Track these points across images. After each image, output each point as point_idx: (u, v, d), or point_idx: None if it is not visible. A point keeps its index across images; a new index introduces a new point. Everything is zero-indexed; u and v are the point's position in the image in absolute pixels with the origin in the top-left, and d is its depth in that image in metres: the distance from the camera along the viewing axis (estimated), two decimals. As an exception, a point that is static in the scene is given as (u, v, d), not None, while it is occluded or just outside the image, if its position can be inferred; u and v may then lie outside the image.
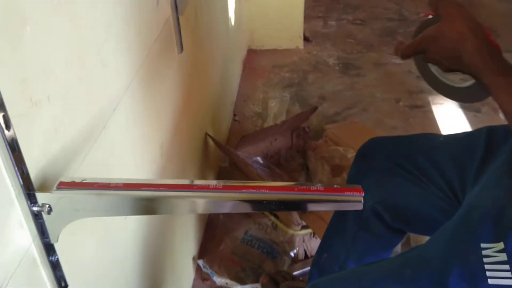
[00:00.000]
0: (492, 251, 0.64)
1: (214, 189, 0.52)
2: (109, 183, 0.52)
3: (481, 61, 0.68)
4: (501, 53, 0.71)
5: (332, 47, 2.70)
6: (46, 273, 0.55)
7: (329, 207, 0.52)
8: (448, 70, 0.76)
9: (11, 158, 0.47)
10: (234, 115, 2.10)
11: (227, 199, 0.51)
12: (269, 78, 2.40)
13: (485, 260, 0.64)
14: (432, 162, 0.89)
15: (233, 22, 2.04)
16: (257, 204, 0.53)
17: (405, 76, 2.41)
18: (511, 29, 2.80)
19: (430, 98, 2.22)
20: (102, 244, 0.73)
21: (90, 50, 0.64)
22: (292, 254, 1.39)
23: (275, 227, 1.43)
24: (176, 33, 1.04)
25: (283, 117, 2.04)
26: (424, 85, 2.37)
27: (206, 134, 1.48)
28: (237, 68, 2.30)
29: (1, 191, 0.47)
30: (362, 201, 0.50)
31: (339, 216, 1.07)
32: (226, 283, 1.32)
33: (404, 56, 0.79)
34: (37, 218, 0.52)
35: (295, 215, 1.42)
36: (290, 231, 1.41)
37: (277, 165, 1.68)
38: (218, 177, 1.67)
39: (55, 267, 0.55)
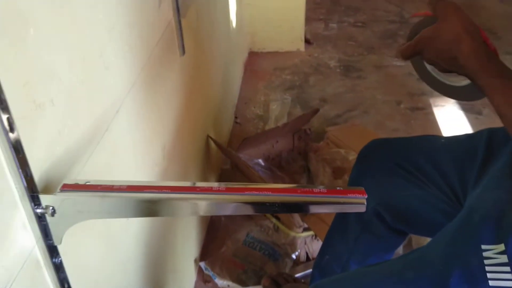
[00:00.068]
0: (493, 252, 0.64)
1: (217, 191, 0.52)
2: (113, 185, 0.53)
3: (476, 63, 0.69)
4: (498, 55, 0.71)
5: (333, 50, 2.70)
6: (49, 275, 0.55)
7: (332, 209, 0.52)
8: (445, 70, 0.76)
9: (15, 160, 0.47)
10: (236, 117, 2.10)
11: (230, 201, 0.51)
12: (271, 80, 2.40)
13: (486, 262, 0.64)
14: (433, 164, 0.89)
15: (234, 24, 2.05)
16: (260, 206, 0.53)
17: (406, 78, 2.41)
18: (511, 31, 2.80)
19: (431, 100, 2.22)
20: (104, 246, 0.73)
21: (93, 53, 0.64)
22: (293, 256, 1.39)
23: (276, 229, 1.43)
24: (178, 35, 1.04)
25: (285, 120, 2.04)
26: (425, 87, 2.36)
27: (208, 136, 1.48)
28: (239, 71, 2.31)
29: (5, 193, 0.47)
30: (365, 203, 0.50)
31: (341, 217, 1.07)
32: (228, 286, 1.32)
33: (403, 57, 0.79)
34: (41, 220, 0.52)
35: (296, 217, 1.42)
36: (292, 233, 1.41)
37: (278, 167, 1.68)
38: (219, 179, 1.67)
39: (59, 269, 0.55)
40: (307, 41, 2.71)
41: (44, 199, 0.51)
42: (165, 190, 0.52)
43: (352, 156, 1.64)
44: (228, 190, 0.52)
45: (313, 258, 1.40)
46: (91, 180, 0.55)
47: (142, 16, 0.84)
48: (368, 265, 0.85)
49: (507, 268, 0.63)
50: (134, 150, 0.83)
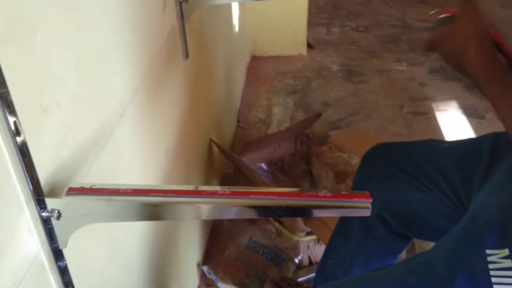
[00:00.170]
0: (497, 257, 0.64)
1: (222, 195, 0.52)
2: (118, 189, 0.53)
3: (480, 71, 0.69)
4: (511, 61, 0.71)
5: (335, 54, 2.71)
6: (54, 278, 0.55)
7: (337, 213, 0.52)
8: (457, 70, 0.76)
9: (21, 164, 0.47)
10: (238, 121, 2.10)
11: (236, 205, 0.52)
12: (273, 84, 2.41)
13: (490, 266, 0.64)
14: (437, 168, 0.89)
15: (237, 29, 2.05)
16: (265, 210, 0.53)
17: (408, 83, 2.41)
18: (514, 36, 2.80)
19: (434, 105, 2.22)
20: (108, 249, 0.73)
21: (98, 57, 0.65)
22: (296, 260, 1.39)
23: (279, 233, 1.43)
24: (181, 40, 1.05)
25: (287, 124, 2.05)
26: (428, 91, 2.36)
27: (211, 140, 1.48)
28: (241, 75, 2.31)
29: (11, 196, 0.48)
30: (370, 207, 0.50)
31: (344, 222, 1.07)
32: (231, 290, 1.32)
33: (422, 49, 0.79)
34: (46, 223, 0.52)
35: (299, 221, 1.42)
36: (295, 238, 1.41)
37: (281, 172, 1.68)
38: (222, 183, 1.67)
39: (63, 272, 0.56)
40: (309, 46, 2.72)
41: (50, 203, 0.51)
42: (170, 194, 0.52)
43: (355, 160, 1.64)
44: (233, 194, 0.52)
45: (316, 263, 1.40)
46: (97, 184, 0.55)
47: (146, 21, 0.84)
48: (372, 270, 0.85)
49: None
50: (138, 154, 0.83)
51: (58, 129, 0.55)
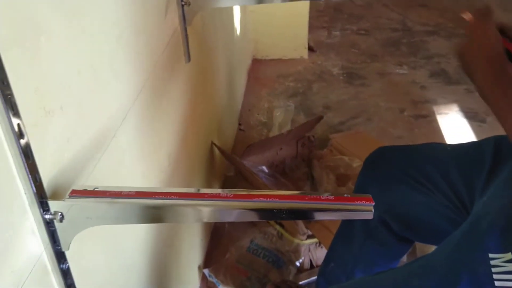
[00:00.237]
0: (500, 261, 0.64)
1: (225, 197, 0.52)
2: (121, 191, 0.53)
3: (488, 92, 0.69)
4: None
5: (336, 57, 2.71)
6: (57, 280, 0.55)
7: (339, 216, 0.52)
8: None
9: (25, 166, 0.47)
10: (239, 124, 2.10)
11: (238, 208, 0.52)
12: (274, 87, 2.41)
13: (493, 270, 0.64)
14: (439, 172, 0.89)
15: (238, 32, 2.06)
16: (267, 213, 0.53)
17: (409, 86, 2.41)
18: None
19: (435, 108, 2.22)
20: (110, 252, 0.73)
21: (101, 61, 0.65)
22: (297, 263, 1.39)
23: (280, 236, 1.43)
24: (183, 43, 1.05)
25: (288, 127, 2.05)
26: (429, 95, 2.37)
27: (212, 143, 1.48)
28: (242, 78, 2.32)
29: (15, 199, 0.48)
30: (373, 211, 0.51)
31: (347, 225, 1.07)
32: (232, 293, 1.31)
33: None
34: (49, 226, 0.52)
35: (300, 224, 1.41)
36: (296, 241, 1.41)
37: (282, 174, 1.68)
38: (223, 186, 1.67)
39: (66, 274, 0.56)
40: (310, 49, 2.72)
41: (53, 205, 0.52)
42: (173, 197, 0.52)
43: (356, 163, 1.64)
44: (236, 197, 0.53)
45: (317, 266, 1.40)
46: (100, 186, 0.55)
47: (149, 24, 0.85)
48: (374, 274, 0.85)
49: None
50: (140, 156, 0.83)
51: (61, 132, 0.55)
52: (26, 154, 0.47)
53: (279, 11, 2.52)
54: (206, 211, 0.53)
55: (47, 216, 0.51)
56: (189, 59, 1.08)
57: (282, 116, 2.13)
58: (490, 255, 0.65)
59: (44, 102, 0.51)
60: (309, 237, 1.42)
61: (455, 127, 2.09)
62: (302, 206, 0.51)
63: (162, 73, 0.92)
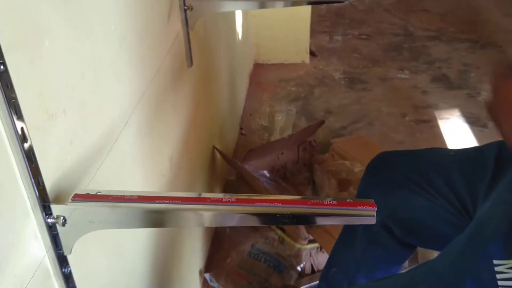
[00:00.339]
0: (504, 267, 0.64)
1: (228, 202, 0.52)
2: (124, 196, 0.53)
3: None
4: None
5: (338, 62, 2.72)
6: (58, 284, 0.55)
7: (342, 221, 0.52)
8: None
9: (28, 170, 0.47)
10: (241, 128, 2.11)
11: (241, 212, 0.52)
12: (275, 92, 2.41)
13: (498, 276, 0.64)
14: (442, 177, 0.89)
15: (240, 36, 2.06)
16: (269, 218, 0.53)
17: (411, 91, 2.41)
18: (516, 45, 2.81)
19: (436, 113, 2.22)
20: (112, 256, 0.73)
21: (104, 64, 0.65)
22: (299, 268, 1.38)
23: (282, 241, 1.43)
24: (186, 47, 1.05)
25: (290, 131, 2.05)
26: (430, 99, 2.37)
27: (214, 147, 1.48)
28: (244, 82, 2.32)
29: (18, 202, 0.48)
30: (375, 216, 0.50)
31: (349, 229, 1.07)
32: (233, 297, 1.31)
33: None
34: (52, 230, 0.52)
35: (302, 229, 1.41)
36: (297, 245, 1.40)
37: (283, 179, 1.68)
38: (224, 190, 1.67)
39: (68, 279, 0.56)
40: (312, 53, 2.73)
41: (56, 209, 0.52)
42: (175, 201, 0.52)
43: (357, 168, 1.64)
44: (238, 201, 0.52)
45: (318, 271, 1.39)
46: (102, 190, 0.55)
47: (152, 28, 0.85)
48: (377, 280, 0.85)
49: None
50: (143, 160, 0.83)
51: (64, 135, 0.55)
52: (29, 157, 0.47)
53: (281, 16, 2.53)
54: (209, 216, 0.52)
55: (49, 220, 0.51)
56: (191, 63, 1.09)
57: (283, 120, 2.13)
58: (494, 262, 0.65)
59: (47, 106, 0.51)
60: (310, 241, 1.42)
61: (456, 132, 2.09)
62: (305, 211, 0.51)
63: (164, 77, 0.92)
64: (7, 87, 0.43)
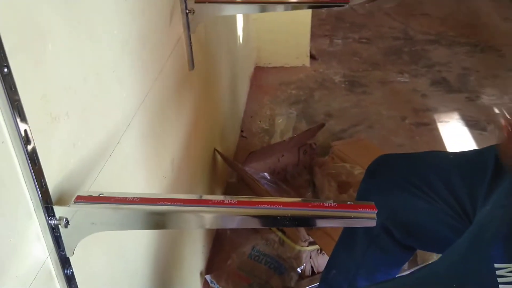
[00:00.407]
0: (505, 271, 0.64)
1: (229, 204, 0.52)
2: (126, 198, 0.53)
3: None
4: None
5: (338, 65, 2.72)
6: (61, 286, 0.55)
7: (342, 224, 0.52)
8: None
9: (31, 172, 0.48)
10: (242, 131, 2.11)
11: (242, 214, 0.52)
12: (276, 95, 2.42)
13: (499, 280, 0.64)
14: (442, 179, 0.90)
15: (241, 40, 2.07)
16: (271, 220, 0.53)
17: (410, 94, 2.42)
18: (516, 48, 2.82)
19: (436, 116, 2.22)
20: (114, 257, 0.73)
21: (106, 67, 0.66)
22: (299, 270, 1.39)
23: (282, 243, 1.43)
24: (187, 50, 1.06)
25: (290, 134, 2.05)
26: (430, 103, 2.38)
27: (215, 149, 1.49)
28: (245, 85, 2.33)
29: (21, 204, 0.48)
30: (375, 218, 0.51)
31: (349, 232, 1.07)
32: (233, 300, 1.31)
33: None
34: (54, 231, 0.52)
35: (302, 231, 1.41)
36: (297, 247, 1.41)
37: (284, 181, 1.69)
38: (225, 192, 1.68)
39: (70, 280, 0.56)
40: (312, 57, 2.74)
41: (58, 211, 0.52)
42: (177, 203, 0.53)
43: (357, 171, 1.64)
44: (240, 204, 0.53)
45: (318, 272, 1.40)
46: (104, 192, 0.55)
47: (154, 31, 0.85)
48: (377, 283, 0.85)
49: None
50: (144, 162, 0.83)
51: (67, 138, 0.56)
52: (33, 159, 0.48)
53: (282, 19, 2.54)
54: (210, 218, 0.53)
55: (52, 222, 0.52)
56: (193, 66, 1.09)
57: (284, 123, 2.14)
58: (495, 265, 0.65)
59: (51, 108, 0.52)
60: (310, 243, 1.42)
61: (456, 135, 2.09)
62: (306, 213, 0.52)
63: (166, 81, 0.92)
64: (11, 89, 0.44)
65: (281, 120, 2.16)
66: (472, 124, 2.16)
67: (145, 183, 0.85)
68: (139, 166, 0.81)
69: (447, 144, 2.04)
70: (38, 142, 0.48)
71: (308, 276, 1.40)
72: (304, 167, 1.78)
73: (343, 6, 1.08)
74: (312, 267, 1.41)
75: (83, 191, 0.58)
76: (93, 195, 0.54)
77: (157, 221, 0.54)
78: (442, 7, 3.50)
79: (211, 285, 1.35)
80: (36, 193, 0.49)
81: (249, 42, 2.41)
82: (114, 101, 0.69)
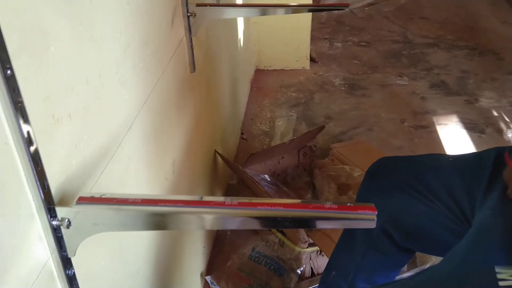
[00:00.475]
0: (507, 275, 0.64)
1: (230, 205, 0.53)
2: (127, 199, 0.53)
3: None
4: None
5: (338, 68, 2.73)
6: (62, 286, 0.56)
7: (343, 225, 0.53)
8: None
9: (33, 173, 0.48)
10: (242, 133, 2.12)
11: (243, 216, 0.52)
12: (276, 97, 2.42)
13: (500, 283, 0.64)
14: (441, 182, 0.90)
15: (241, 43, 2.08)
16: (271, 221, 0.53)
17: (409, 97, 2.43)
18: (515, 52, 2.83)
19: (435, 119, 2.23)
20: (115, 258, 0.74)
21: (109, 69, 0.66)
22: (299, 271, 1.39)
23: (282, 244, 1.43)
24: (189, 53, 1.06)
25: (290, 136, 2.06)
26: (429, 105, 2.39)
27: (215, 151, 1.49)
28: (245, 88, 2.33)
29: (23, 205, 0.48)
30: (375, 219, 0.51)
31: (349, 234, 1.07)
32: (233, 301, 1.31)
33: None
34: (56, 232, 0.53)
35: (302, 232, 1.42)
36: (297, 249, 1.41)
37: (284, 183, 1.69)
38: (226, 194, 1.68)
39: (72, 281, 0.56)
40: (312, 60, 2.74)
41: (60, 212, 0.52)
42: (178, 204, 0.53)
43: (357, 173, 1.65)
44: (241, 205, 0.53)
45: (318, 274, 1.40)
46: (106, 193, 0.55)
47: (156, 34, 0.86)
48: (377, 286, 0.85)
49: None
50: (146, 164, 0.84)
51: (70, 139, 0.56)
52: (35, 160, 0.48)
53: (282, 22, 2.54)
54: (210, 219, 0.53)
55: (54, 223, 0.52)
56: (194, 69, 1.10)
57: (284, 125, 2.14)
58: (496, 269, 0.65)
59: (53, 110, 0.52)
60: (310, 245, 1.42)
61: (454, 138, 2.10)
62: (306, 215, 0.52)
63: (167, 83, 0.93)
64: (14, 91, 0.44)
65: (281, 122, 2.16)
66: (471, 126, 2.17)
67: (146, 185, 0.85)
68: (141, 168, 0.82)
69: (446, 146, 2.04)
70: (40, 143, 0.49)
71: (308, 278, 1.40)
72: (304, 169, 1.79)
73: (343, 9, 1.09)
74: (311, 268, 1.41)
75: (85, 192, 0.59)
76: (95, 196, 0.55)
77: (158, 222, 0.55)
78: (441, 11, 3.51)
79: (211, 286, 1.35)
80: (39, 194, 0.49)
81: (250, 45, 2.41)
82: (116, 103, 0.69)
